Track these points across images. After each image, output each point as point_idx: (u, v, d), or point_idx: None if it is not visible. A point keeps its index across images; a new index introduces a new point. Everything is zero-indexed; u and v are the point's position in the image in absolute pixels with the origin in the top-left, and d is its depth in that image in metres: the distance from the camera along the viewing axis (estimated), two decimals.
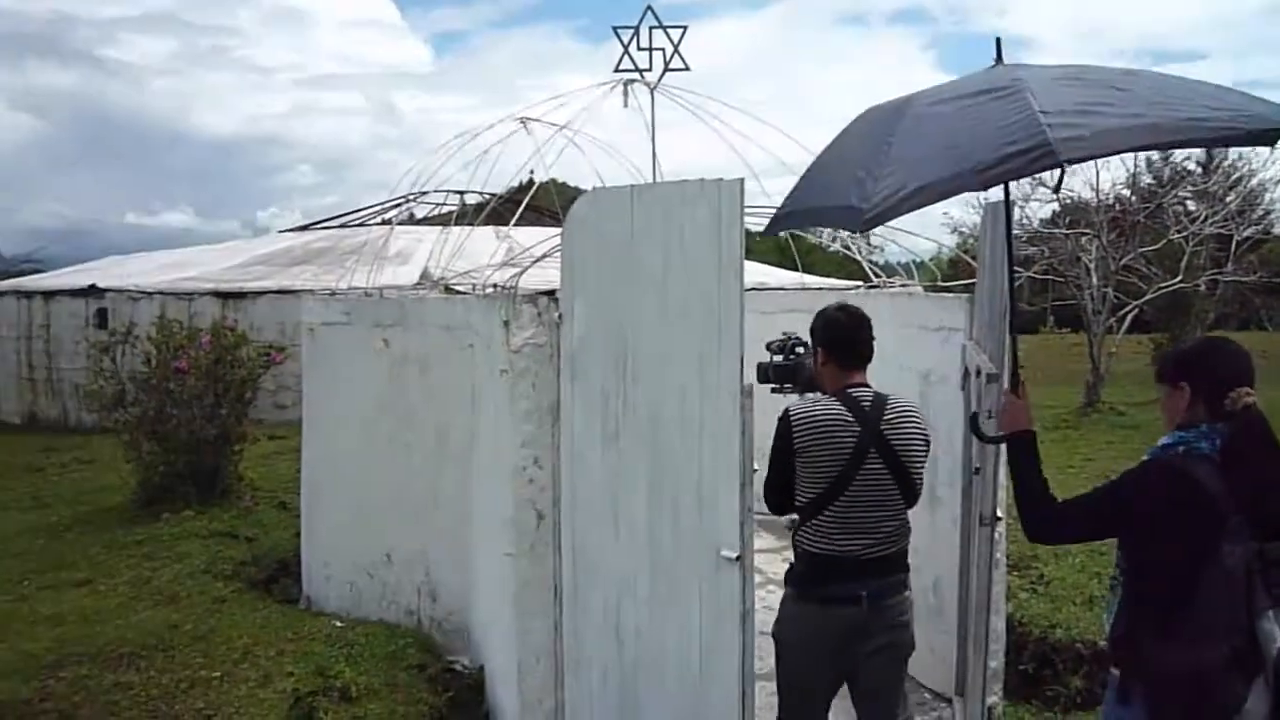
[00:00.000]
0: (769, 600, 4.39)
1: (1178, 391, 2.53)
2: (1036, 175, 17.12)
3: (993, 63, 2.62)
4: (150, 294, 14.52)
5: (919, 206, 2.27)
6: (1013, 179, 2.55)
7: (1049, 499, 2.65)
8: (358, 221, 19.28)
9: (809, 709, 3.30)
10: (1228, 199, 16.81)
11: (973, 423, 3.36)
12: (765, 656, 3.47)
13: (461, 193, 11.39)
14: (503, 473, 4.10)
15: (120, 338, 8.26)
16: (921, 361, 5.02)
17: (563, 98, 6.02)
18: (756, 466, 3.30)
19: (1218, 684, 2.35)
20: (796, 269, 10.04)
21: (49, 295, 15.31)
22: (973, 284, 4.58)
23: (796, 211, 2.86)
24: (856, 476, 3.13)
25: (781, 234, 9.38)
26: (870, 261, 6.91)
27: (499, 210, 7.86)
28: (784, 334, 3.82)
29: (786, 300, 8.16)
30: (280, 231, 20.75)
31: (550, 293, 4.04)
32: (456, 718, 4.52)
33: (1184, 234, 15.32)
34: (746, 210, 3.34)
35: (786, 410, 3.23)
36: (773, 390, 3.75)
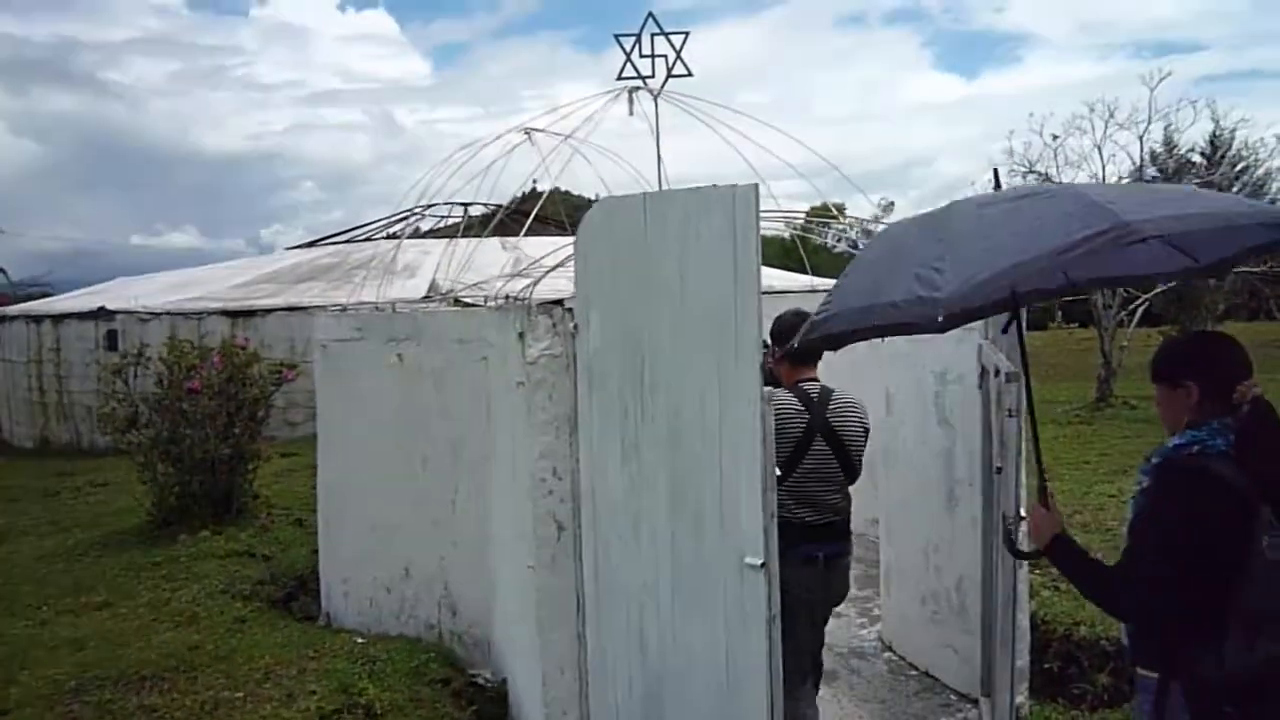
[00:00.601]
0: None
1: (1181, 391, 2.49)
2: (1044, 172, 17.08)
3: (991, 180, 2.69)
4: (160, 314, 14.57)
5: (996, 293, 2.28)
6: (1084, 254, 2.48)
7: (1111, 575, 2.51)
8: (364, 236, 19.35)
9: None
10: (1234, 190, 16.77)
11: (1008, 542, 3.20)
12: None
13: (466, 205, 11.42)
14: (522, 485, 4.09)
15: (133, 359, 8.27)
16: (937, 362, 5.02)
17: (567, 107, 6.03)
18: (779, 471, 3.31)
19: (1271, 685, 2.31)
20: (805, 271, 10.01)
21: (58, 319, 15.38)
22: None
23: (842, 312, 2.63)
24: (806, 457, 3.82)
25: (787, 235, 9.31)
26: None
27: (504, 220, 7.86)
28: None
29: (798, 303, 8.13)
30: (286, 249, 20.81)
31: (559, 302, 4.04)
32: None
33: None
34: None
35: None
36: None
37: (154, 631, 5.66)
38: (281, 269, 17.11)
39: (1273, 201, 19.13)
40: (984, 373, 4.45)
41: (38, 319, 15.67)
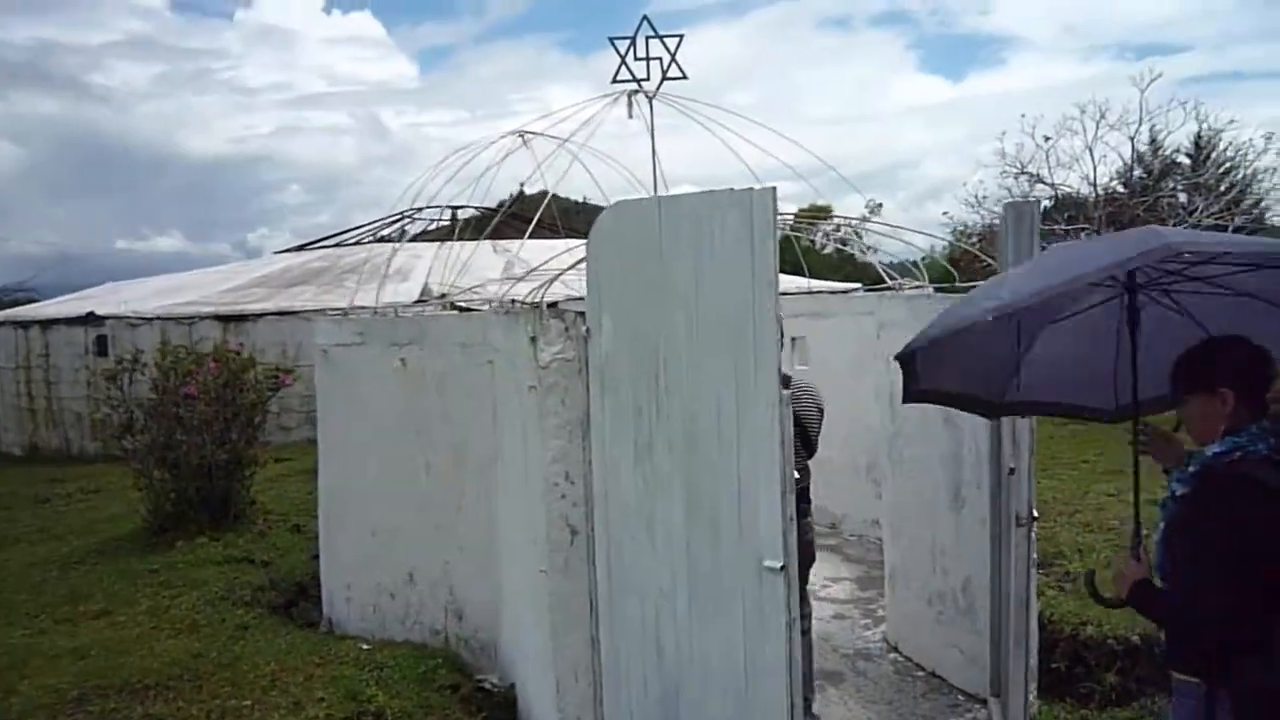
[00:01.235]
0: None
1: (1216, 398, 2.47)
2: (1035, 173, 17.19)
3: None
4: (150, 320, 14.44)
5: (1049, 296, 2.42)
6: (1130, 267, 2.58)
7: (1189, 608, 2.47)
8: (353, 240, 19.28)
9: None
10: (1221, 189, 16.93)
11: (1090, 588, 3.13)
12: None
13: (455, 208, 11.39)
14: (534, 489, 4.07)
15: (128, 365, 8.19)
16: None
17: (563, 111, 6.02)
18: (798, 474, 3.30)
19: None
20: (802, 273, 10.03)
21: (46, 324, 15.23)
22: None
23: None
24: None
25: (784, 235, 9.32)
26: (880, 264, 6.91)
27: (493, 223, 7.84)
28: None
29: (798, 305, 8.16)
30: (275, 252, 20.71)
31: (554, 304, 4.04)
32: None
33: (1180, 226, 15.39)
34: None
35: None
36: None
37: (155, 639, 5.60)
38: (271, 273, 17.01)
39: (1258, 203, 19.25)
40: None
41: (25, 324, 15.51)
